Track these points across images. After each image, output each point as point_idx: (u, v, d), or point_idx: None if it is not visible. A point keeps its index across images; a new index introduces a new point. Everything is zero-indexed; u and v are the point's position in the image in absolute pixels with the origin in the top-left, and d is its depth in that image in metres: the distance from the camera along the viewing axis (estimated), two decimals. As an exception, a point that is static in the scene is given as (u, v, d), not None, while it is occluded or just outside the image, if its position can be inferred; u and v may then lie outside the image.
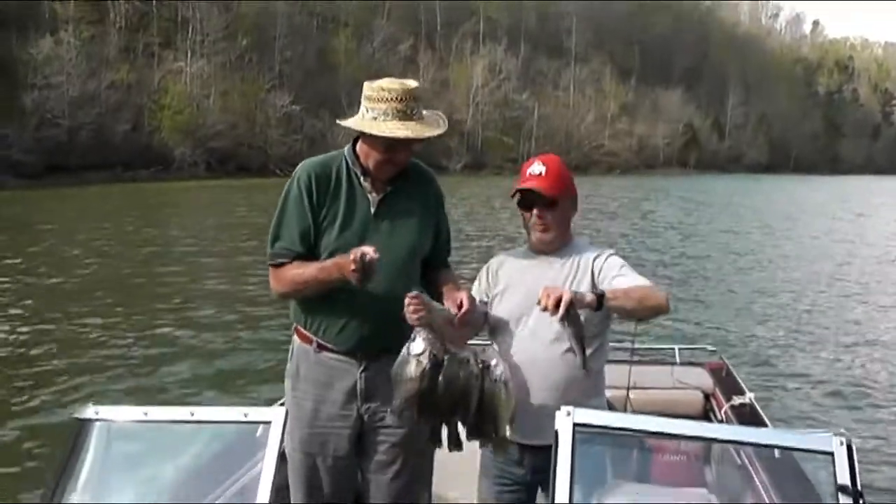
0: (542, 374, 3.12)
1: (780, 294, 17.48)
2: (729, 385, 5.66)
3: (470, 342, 3.24)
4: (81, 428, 2.85)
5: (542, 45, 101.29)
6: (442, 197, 3.46)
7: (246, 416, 2.80)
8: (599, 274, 3.13)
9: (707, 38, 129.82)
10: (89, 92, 55.89)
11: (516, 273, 3.27)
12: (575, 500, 2.44)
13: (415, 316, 2.93)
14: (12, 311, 13.74)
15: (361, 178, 3.26)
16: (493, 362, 2.96)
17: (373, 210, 3.23)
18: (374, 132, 3.12)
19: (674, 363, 6.09)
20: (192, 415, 2.85)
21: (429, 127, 3.19)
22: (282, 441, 2.74)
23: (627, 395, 4.97)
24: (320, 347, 3.27)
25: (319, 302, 3.24)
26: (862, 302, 16.91)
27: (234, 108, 65.48)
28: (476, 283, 3.37)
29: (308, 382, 3.31)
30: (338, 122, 3.56)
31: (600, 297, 2.92)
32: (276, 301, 3.47)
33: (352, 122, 3.19)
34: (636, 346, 5.17)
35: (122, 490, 3.01)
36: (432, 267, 3.37)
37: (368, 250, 2.92)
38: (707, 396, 5.63)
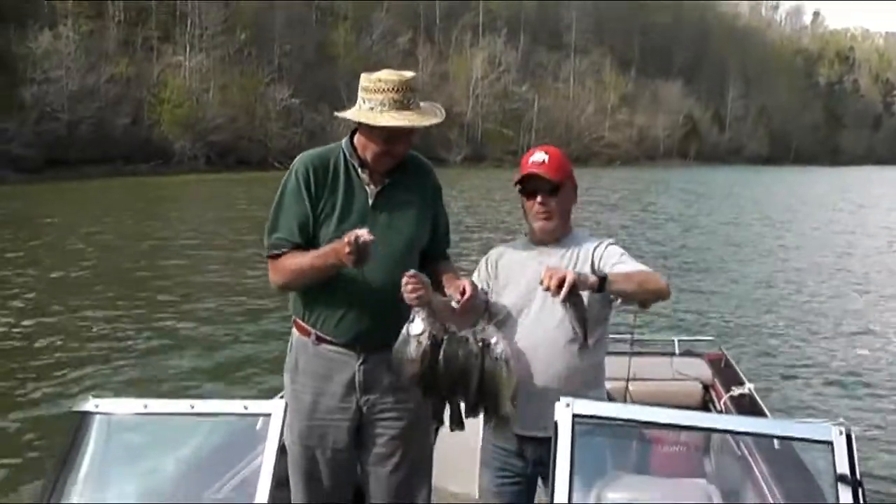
0: (544, 365, 3.11)
1: (780, 285, 17.50)
2: (728, 376, 5.67)
3: None
4: (81, 421, 2.85)
5: (541, 37, 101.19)
6: (440, 189, 3.45)
7: (246, 408, 2.80)
8: (599, 262, 3.13)
9: (707, 30, 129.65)
10: (89, 86, 55.85)
11: (517, 265, 3.26)
12: (574, 492, 2.45)
13: (413, 295, 2.94)
14: (14, 304, 13.78)
15: (359, 171, 3.25)
16: (493, 340, 2.95)
17: (370, 202, 3.23)
18: (372, 122, 3.12)
19: (673, 354, 6.10)
20: (192, 407, 2.85)
21: (426, 116, 3.18)
22: (282, 434, 2.75)
23: (627, 386, 4.97)
24: (319, 340, 3.27)
25: (318, 294, 3.24)
26: (862, 292, 16.92)
27: (234, 102, 65.43)
28: (475, 273, 3.36)
29: (307, 375, 3.31)
30: (335, 114, 3.56)
31: (602, 279, 2.91)
32: (277, 293, 3.46)
33: (349, 114, 3.18)
34: (635, 337, 5.18)
35: (123, 483, 3.01)
36: (432, 259, 3.36)
37: (362, 233, 2.92)
38: (706, 387, 5.64)
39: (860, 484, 2.36)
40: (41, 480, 3.15)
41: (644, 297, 3.08)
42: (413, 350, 2.90)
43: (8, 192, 35.57)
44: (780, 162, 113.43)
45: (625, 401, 4.80)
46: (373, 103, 3.12)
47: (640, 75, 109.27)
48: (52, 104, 52.76)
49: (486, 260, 3.37)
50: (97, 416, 2.86)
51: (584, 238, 3.28)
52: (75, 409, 2.88)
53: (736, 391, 5.28)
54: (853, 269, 20.08)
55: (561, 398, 2.55)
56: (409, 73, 3.21)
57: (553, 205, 3.19)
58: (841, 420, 2.70)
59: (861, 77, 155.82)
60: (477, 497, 3.99)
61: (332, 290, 3.19)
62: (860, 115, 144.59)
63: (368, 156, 3.22)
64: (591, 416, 2.57)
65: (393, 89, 3.10)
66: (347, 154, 3.27)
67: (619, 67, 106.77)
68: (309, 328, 3.29)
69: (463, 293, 3.05)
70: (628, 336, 5.16)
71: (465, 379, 2.94)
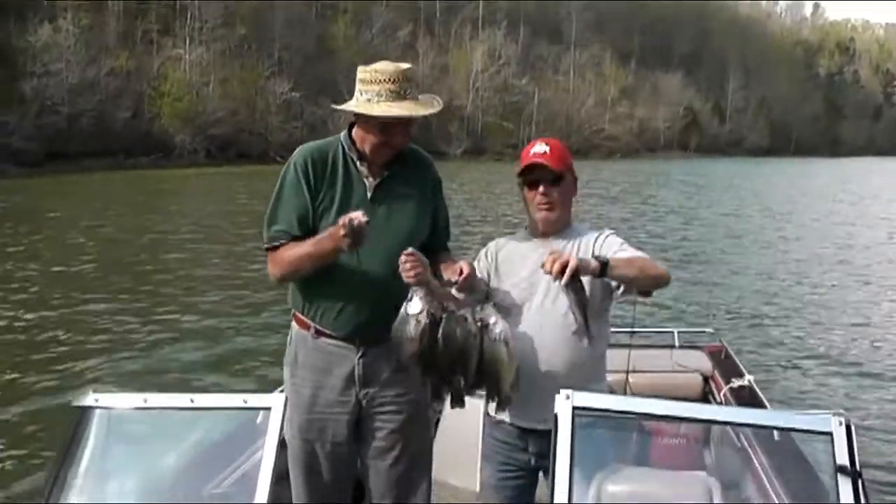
0: (547, 357, 3.11)
1: (780, 276, 17.49)
2: (728, 367, 5.68)
3: None
4: (81, 415, 2.85)
5: (541, 30, 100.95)
6: (440, 182, 3.44)
7: (246, 402, 2.81)
8: (600, 251, 3.13)
9: (707, 22, 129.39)
10: (89, 79, 55.79)
11: (517, 257, 3.26)
12: (575, 484, 2.45)
13: (411, 273, 2.94)
14: (16, 298, 13.78)
15: (358, 163, 3.25)
16: (493, 321, 2.95)
17: (369, 195, 3.22)
18: (368, 112, 3.12)
19: (673, 346, 6.10)
20: (192, 402, 2.85)
21: (423, 106, 3.18)
22: (282, 427, 2.75)
23: (627, 378, 4.98)
24: (318, 333, 3.27)
25: (317, 287, 3.24)
26: (863, 283, 16.91)
27: (234, 95, 65.35)
28: (475, 263, 3.34)
29: (306, 368, 3.31)
30: (333, 106, 3.56)
31: (604, 264, 2.91)
32: (277, 287, 3.46)
33: (346, 106, 3.19)
34: (635, 329, 5.18)
35: (124, 477, 3.01)
36: (432, 252, 3.34)
37: (357, 215, 2.92)
38: (706, 379, 5.64)
39: (860, 474, 2.37)
40: (43, 473, 3.15)
41: (645, 283, 3.07)
42: (412, 329, 2.90)
43: (8, 186, 35.53)
44: (781, 153, 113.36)
45: (625, 393, 4.81)
46: (370, 94, 3.12)
47: (641, 67, 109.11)
48: (53, 97, 52.69)
49: (486, 252, 3.36)
50: (97, 411, 2.86)
51: (584, 230, 3.28)
52: (75, 403, 2.88)
53: (736, 383, 5.28)
54: (853, 261, 20.06)
55: (561, 390, 2.55)
56: (405, 64, 3.21)
57: (555, 195, 3.19)
58: (840, 411, 2.70)
59: (861, 68, 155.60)
60: (477, 490, 3.99)
61: (332, 283, 3.19)
62: (860, 106, 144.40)
63: (367, 148, 3.22)
64: (591, 409, 2.57)
65: (389, 80, 3.10)
66: (346, 147, 3.27)
67: (620, 60, 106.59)
68: (308, 322, 3.28)
69: (460, 274, 3.05)
70: (628, 328, 5.16)
71: (464, 358, 2.93)
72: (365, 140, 3.22)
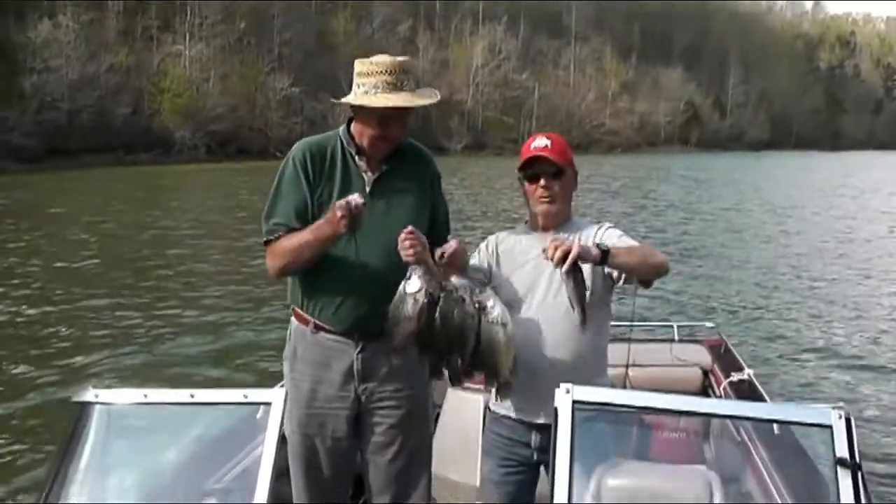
0: (549, 351, 3.11)
1: (780, 270, 17.49)
2: (728, 361, 5.67)
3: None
4: (81, 411, 2.85)
5: (541, 25, 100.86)
6: (439, 177, 3.44)
7: (246, 397, 2.80)
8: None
9: (707, 16, 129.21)
10: (89, 75, 55.80)
11: (519, 251, 3.26)
12: (575, 478, 2.45)
13: (410, 251, 2.92)
14: (18, 293, 13.82)
15: (356, 158, 3.25)
16: (490, 303, 2.94)
17: (368, 189, 3.21)
18: (365, 104, 3.13)
19: (672, 340, 6.10)
20: (192, 397, 2.85)
21: (420, 97, 3.18)
22: (282, 422, 2.75)
23: (626, 372, 4.98)
24: (317, 328, 3.26)
25: (316, 282, 3.23)
26: (863, 277, 16.91)
27: (234, 91, 65.34)
28: (473, 256, 3.34)
29: (305, 363, 3.31)
30: (332, 100, 3.56)
31: (605, 252, 2.90)
32: (279, 282, 3.45)
33: (344, 99, 3.20)
34: (635, 323, 5.18)
35: (125, 473, 3.01)
36: (432, 246, 3.35)
37: (353, 197, 2.93)
38: (706, 373, 5.64)
39: (859, 467, 2.37)
40: (45, 468, 3.16)
41: (645, 272, 3.07)
42: (410, 308, 2.89)
43: (8, 182, 35.56)
44: (782, 147, 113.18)
45: (624, 387, 4.81)
46: (367, 87, 3.13)
47: (641, 62, 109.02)
48: (53, 93, 52.75)
49: (486, 244, 3.36)
50: (97, 407, 2.86)
51: (584, 224, 3.28)
52: (75, 399, 2.88)
53: (735, 377, 5.27)
54: (854, 255, 20.07)
55: (561, 384, 2.55)
56: (402, 57, 3.22)
57: (556, 188, 3.19)
58: (840, 404, 2.71)
59: (862, 62, 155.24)
60: (477, 486, 4.00)
61: (331, 278, 3.19)
62: (861, 100, 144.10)
63: (365, 141, 3.22)
64: (591, 402, 2.57)
65: (386, 71, 3.11)
66: (345, 141, 3.27)
67: (620, 54, 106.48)
68: (307, 316, 3.28)
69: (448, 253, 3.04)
70: (628, 322, 5.16)
71: (461, 338, 2.92)
72: (363, 133, 3.22)
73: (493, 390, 3.20)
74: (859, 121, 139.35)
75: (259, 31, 69.86)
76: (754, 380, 5.26)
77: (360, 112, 3.20)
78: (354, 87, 3.18)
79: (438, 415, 4.48)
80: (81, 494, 2.80)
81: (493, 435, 3.30)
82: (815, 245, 21.65)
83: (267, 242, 3.23)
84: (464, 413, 4.56)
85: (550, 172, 3.19)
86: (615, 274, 3.11)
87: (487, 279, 3.24)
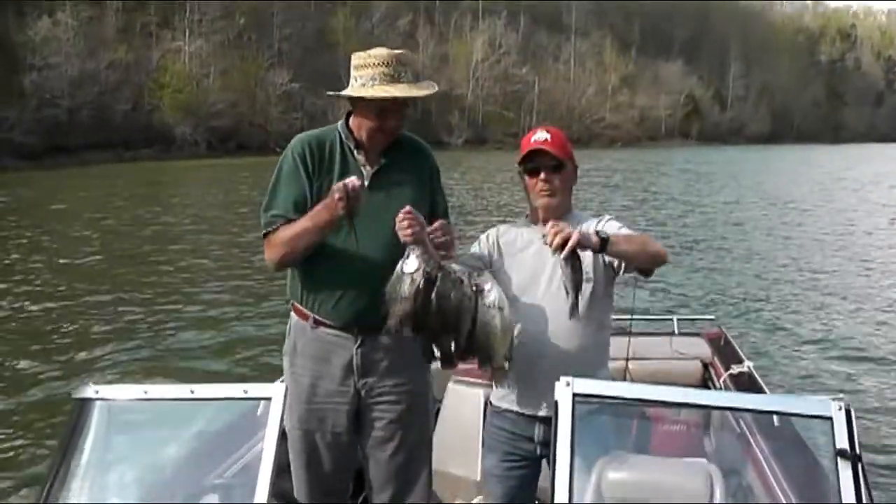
0: (551, 344, 3.11)
1: (781, 263, 17.49)
2: (727, 354, 5.66)
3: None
4: (82, 407, 2.85)
5: (541, 19, 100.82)
6: (437, 170, 3.43)
7: (246, 392, 2.80)
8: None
9: (707, 9, 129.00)
10: (88, 72, 55.82)
11: (520, 244, 3.26)
12: (576, 471, 2.45)
13: (408, 231, 2.91)
14: (21, 289, 13.86)
15: (355, 152, 3.25)
16: (488, 287, 2.93)
17: (367, 183, 3.20)
18: (363, 95, 3.13)
19: (672, 333, 6.10)
20: (193, 392, 2.84)
21: (417, 88, 3.19)
22: (282, 417, 2.75)
23: (626, 365, 4.97)
24: (317, 323, 3.26)
25: (315, 277, 3.23)
26: (864, 269, 16.90)
27: (234, 87, 65.37)
28: (473, 246, 3.35)
29: (305, 358, 3.30)
30: (328, 93, 3.56)
31: (604, 240, 2.91)
32: (281, 276, 3.45)
33: (342, 92, 3.21)
34: (635, 316, 5.17)
35: (125, 468, 3.01)
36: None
37: (350, 179, 2.93)
38: (706, 366, 5.62)
39: (859, 458, 2.36)
40: (46, 463, 3.16)
41: (644, 260, 3.07)
42: (407, 288, 2.87)
43: (9, 180, 35.59)
44: (782, 140, 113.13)
45: (624, 380, 4.80)
46: (364, 79, 3.14)
47: (641, 56, 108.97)
48: (52, 91, 52.77)
49: (487, 236, 3.36)
50: (97, 403, 2.86)
51: (584, 217, 3.28)
52: (75, 395, 2.88)
53: (735, 369, 5.27)
54: (854, 247, 20.07)
55: (561, 377, 2.55)
56: (399, 50, 3.24)
57: (556, 182, 3.20)
58: (840, 395, 2.71)
59: (863, 54, 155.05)
60: (478, 480, 4.00)
61: (330, 272, 3.19)
62: (862, 93, 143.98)
63: (363, 134, 3.23)
64: (591, 395, 2.57)
65: (383, 63, 3.12)
66: (343, 135, 3.27)
67: (620, 48, 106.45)
68: (307, 311, 3.28)
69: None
70: (628, 315, 5.15)
71: (457, 320, 2.91)
72: (361, 126, 3.23)
73: (494, 385, 3.20)
74: (860, 113, 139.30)
75: (259, 26, 69.85)
76: (754, 372, 5.25)
77: (358, 105, 3.21)
78: (352, 80, 3.18)
79: (439, 409, 4.47)
80: (82, 490, 2.80)
81: (495, 429, 3.30)
82: (816, 237, 21.64)
83: (266, 234, 3.22)
84: (464, 407, 4.56)
85: (550, 166, 3.19)
86: (616, 263, 3.11)
87: (487, 268, 3.23)
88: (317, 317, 3.26)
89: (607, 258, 3.10)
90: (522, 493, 3.27)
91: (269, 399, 2.72)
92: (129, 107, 57.48)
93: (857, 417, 2.42)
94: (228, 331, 11.40)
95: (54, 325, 11.59)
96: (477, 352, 3.00)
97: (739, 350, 5.74)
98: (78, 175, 40.10)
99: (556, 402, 2.51)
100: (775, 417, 2.80)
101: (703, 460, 3.01)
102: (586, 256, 3.07)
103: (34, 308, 12.54)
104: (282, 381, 3.27)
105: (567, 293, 2.93)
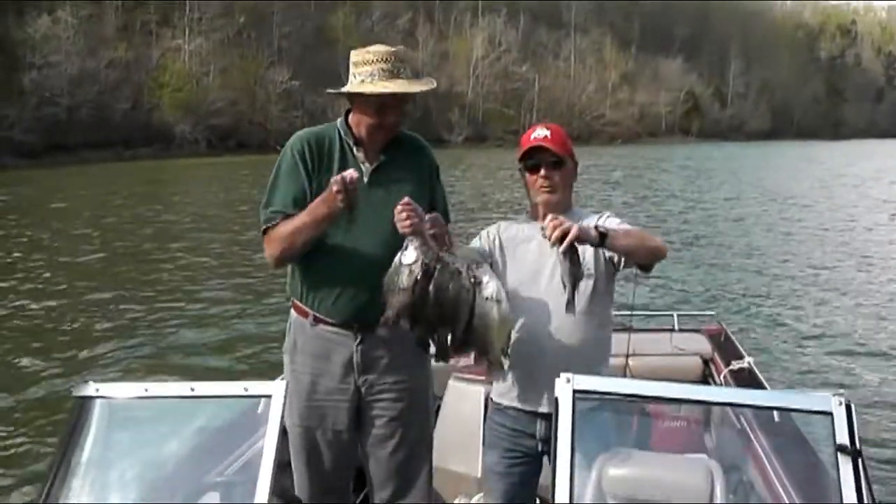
0: (553, 340, 3.11)
1: (781, 259, 17.52)
2: (728, 350, 5.66)
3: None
4: (82, 405, 2.85)
5: (541, 17, 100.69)
6: (437, 167, 3.44)
7: (246, 390, 2.79)
8: None
9: (707, 6, 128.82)
10: (88, 70, 55.76)
11: (522, 241, 3.26)
12: (576, 468, 2.44)
13: (407, 222, 2.90)
14: (23, 288, 13.88)
15: (354, 149, 3.25)
16: (486, 279, 2.92)
17: (366, 180, 3.21)
18: (362, 91, 3.14)
19: (672, 329, 6.09)
20: (193, 390, 2.84)
21: (416, 84, 3.20)
22: (283, 415, 2.74)
23: (626, 362, 4.97)
24: (316, 320, 3.27)
25: (315, 274, 3.24)
26: (864, 265, 16.91)
27: (234, 85, 65.30)
28: (476, 240, 3.35)
29: (305, 355, 3.31)
30: (328, 90, 3.56)
31: (603, 234, 2.90)
32: (281, 273, 3.45)
33: (341, 88, 3.21)
34: (635, 312, 5.17)
35: (126, 467, 3.01)
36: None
37: (348, 172, 2.94)
38: (706, 362, 5.63)
39: (860, 453, 2.36)
40: (47, 461, 3.17)
41: (644, 255, 3.07)
42: (405, 279, 2.86)
43: (9, 178, 35.58)
44: (783, 136, 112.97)
45: (624, 377, 4.80)
46: (363, 76, 3.14)
47: (641, 53, 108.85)
48: (52, 89, 52.68)
49: (487, 232, 3.36)
50: (98, 401, 2.85)
51: (584, 214, 3.28)
52: (76, 393, 2.88)
53: (735, 365, 5.27)
54: (854, 243, 20.07)
55: (562, 374, 2.55)
56: (398, 47, 3.25)
57: (556, 178, 3.20)
58: (840, 391, 2.71)
59: (863, 50, 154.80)
60: (479, 477, 4.00)
61: (330, 269, 3.19)
62: (862, 89, 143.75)
63: (363, 131, 3.23)
64: (592, 392, 2.57)
65: (382, 59, 3.13)
66: (343, 132, 3.27)
67: (620, 45, 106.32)
68: (307, 309, 3.28)
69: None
70: (628, 312, 5.15)
71: (454, 312, 2.90)
72: (361, 123, 3.23)
73: (495, 381, 3.19)
74: (860, 110, 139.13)
75: (258, 24, 69.78)
76: (754, 368, 5.25)
77: (357, 101, 3.22)
78: (351, 77, 3.19)
79: (439, 406, 4.47)
80: (83, 488, 2.79)
81: (497, 426, 3.29)
82: (816, 234, 21.66)
83: (265, 231, 3.22)
84: (464, 404, 4.55)
85: (551, 162, 3.19)
86: (615, 259, 3.12)
87: (487, 262, 3.22)
88: (316, 314, 3.26)
89: (607, 253, 3.10)
90: (523, 489, 3.27)
91: (269, 397, 2.71)
92: (128, 105, 57.41)
93: (857, 413, 2.42)
94: (229, 328, 11.42)
95: (55, 322, 11.61)
96: (474, 344, 2.98)
97: (739, 346, 5.74)
98: (77, 174, 40.07)
99: (556, 399, 2.51)
100: (775, 413, 2.80)
101: (704, 456, 3.02)
102: (588, 252, 3.08)
103: (35, 306, 12.56)
104: (282, 379, 3.27)
105: (563, 284, 2.93)
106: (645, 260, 3.09)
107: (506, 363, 3.09)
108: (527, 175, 3.26)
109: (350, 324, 3.23)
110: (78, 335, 10.99)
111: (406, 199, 2.95)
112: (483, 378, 4.27)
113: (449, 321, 2.93)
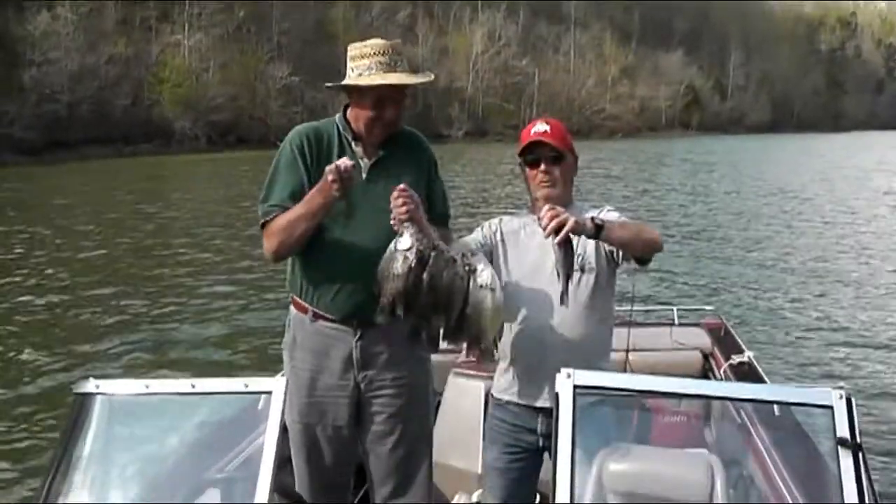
0: (556, 336, 3.11)
1: (781, 253, 17.50)
2: (728, 344, 5.66)
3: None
4: (82, 402, 2.85)
5: (541, 11, 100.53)
6: (435, 162, 3.44)
7: (246, 386, 2.79)
8: None
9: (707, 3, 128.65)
10: (88, 66, 55.70)
11: (523, 235, 3.27)
12: (577, 463, 2.45)
13: (403, 209, 2.89)
14: (23, 284, 13.89)
15: (353, 144, 3.25)
16: (480, 267, 2.92)
17: (364, 175, 3.21)
18: (359, 83, 3.14)
19: (672, 324, 6.09)
20: (193, 387, 2.84)
21: (413, 76, 3.20)
22: (283, 411, 2.74)
23: (626, 357, 4.97)
24: (316, 316, 3.26)
25: (314, 270, 3.24)
26: (865, 257, 16.91)
27: (234, 80, 65.23)
28: (474, 234, 3.35)
29: (305, 351, 3.31)
30: (326, 85, 3.56)
31: (599, 226, 2.91)
32: (282, 267, 3.45)
33: (340, 82, 3.21)
34: (635, 307, 5.17)
35: (126, 463, 3.01)
36: None
37: (342, 160, 2.94)
38: (706, 356, 5.62)
39: (860, 447, 2.36)
40: (47, 457, 3.17)
41: (640, 247, 3.06)
42: (399, 266, 2.85)
43: (9, 175, 35.58)
44: (783, 129, 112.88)
45: (625, 371, 4.80)
46: (361, 69, 3.14)
47: (641, 46, 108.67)
48: (52, 85, 52.63)
49: (489, 224, 3.36)
50: (98, 397, 2.85)
51: (584, 208, 3.27)
52: (76, 390, 2.88)
53: (735, 359, 5.27)
54: (855, 235, 20.06)
55: (562, 369, 2.55)
56: (394, 40, 3.24)
57: (556, 173, 3.20)
58: (841, 384, 2.71)
59: (863, 42, 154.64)
60: (479, 473, 4.00)
61: (329, 264, 3.19)
62: (862, 81, 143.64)
63: (361, 126, 3.23)
64: (592, 387, 2.57)
65: (380, 52, 3.13)
66: (341, 127, 3.27)
67: (620, 39, 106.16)
68: (306, 305, 3.28)
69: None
70: (628, 306, 5.15)
71: (448, 299, 2.90)
72: (359, 117, 3.23)
73: (495, 377, 3.19)
74: (861, 101, 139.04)
75: (258, 19, 69.69)
76: (754, 362, 5.25)
77: (355, 96, 3.22)
78: (349, 71, 3.19)
79: (439, 402, 4.47)
80: (83, 485, 2.79)
81: (497, 421, 3.30)
82: (816, 226, 21.65)
83: (263, 225, 3.21)
84: (465, 400, 4.55)
85: (550, 157, 3.19)
86: (615, 252, 3.12)
87: (487, 255, 3.23)
88: (316, 310, 3.26)
89: (607, 247, 3.11)
90: (524, 485, 3.27)
91: (269, 393, 2.71)
92: (128, 101, 57.39)
93: (857, 406, 2.42)
94: (230, 324, 11.44)
95: (56, 318, 11.64)
96: (467, 332, 2.98)
97: (739, 340, 5.74)
98: (78, 170, 40.08)
99: (556, 394, 2.51)
100: (776, 407, 2.81)
101: (704, 451, 3.02)
102: (589, 246, 3.10)
103: (36, 302, 12.58)
104: (282, 375, 3.27)
105: (557, 275, 2.93)
106: (641, 252, 3.09)
107: (496, 353, 3.09)
108: (527, 170, 3.26)
109: (349, 320, 3.23)
110: (79, 331, 11.01)
111: (402, 185, 2.94)
112: (483, 374, 4.27)
113: (443, 308, 2.92)
